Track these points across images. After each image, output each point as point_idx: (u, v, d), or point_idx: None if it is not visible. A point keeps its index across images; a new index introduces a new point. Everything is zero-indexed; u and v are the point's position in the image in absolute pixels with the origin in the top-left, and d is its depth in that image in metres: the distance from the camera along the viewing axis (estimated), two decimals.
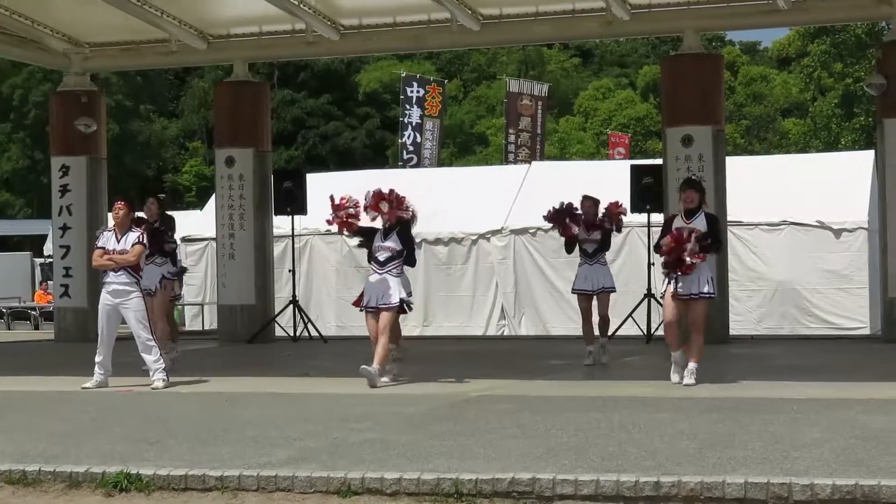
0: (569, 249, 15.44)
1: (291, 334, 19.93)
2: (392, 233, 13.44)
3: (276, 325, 20.34)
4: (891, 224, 17.78)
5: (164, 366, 13.54)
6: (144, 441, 9.60)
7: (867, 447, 8.61)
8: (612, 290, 15.33)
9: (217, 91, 23.26)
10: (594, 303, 15.22)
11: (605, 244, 15.22)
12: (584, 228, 15.05)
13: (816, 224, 21.27)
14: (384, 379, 13.19)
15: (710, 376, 12.91)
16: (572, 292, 15.63)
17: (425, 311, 23.01)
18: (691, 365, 12.62)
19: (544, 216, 15.38)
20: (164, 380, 13.40)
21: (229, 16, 20.68)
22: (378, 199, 13.33)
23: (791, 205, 21.50)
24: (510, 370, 14.98)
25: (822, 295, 21.15)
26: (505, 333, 22.58)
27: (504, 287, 22.74)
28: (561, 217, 15.07)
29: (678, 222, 12.74)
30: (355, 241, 14.08)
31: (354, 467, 8.24)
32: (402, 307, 13.41)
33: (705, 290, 12.61)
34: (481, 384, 13.21)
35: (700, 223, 12.66)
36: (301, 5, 19.20)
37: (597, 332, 15.30)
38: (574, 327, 21.29)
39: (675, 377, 12.68)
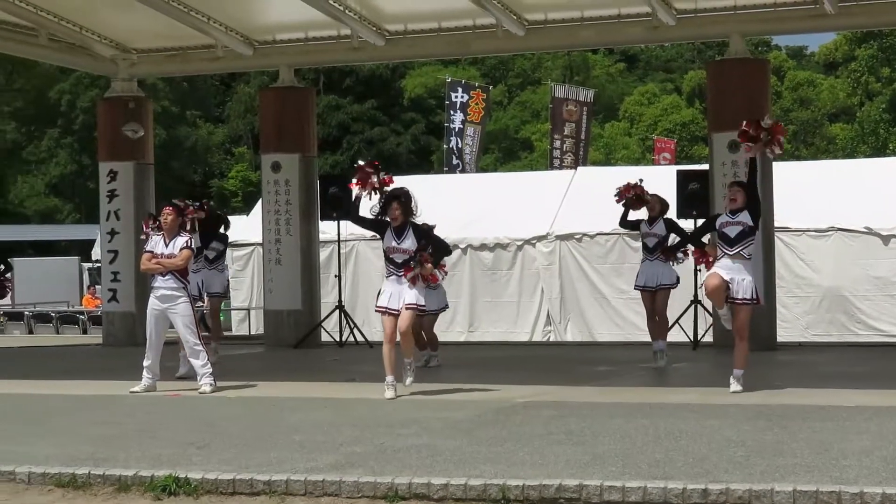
0: (622, 223, 16.08)
1: (337, 339, 19.96)
2: (406, 232, 13.01)
3: (322, 330, 20.39)
4: None
5: (211, 370, 13.61)
6: (192, 445, 9.67)
7: None
8: (672, 286, 15.43)
9: (263, 97, 23.32)
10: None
11: (666, 239, 15.38)
12: (646, 223, 15.46)
13: (864, 230, 21.06)
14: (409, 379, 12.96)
15: (758, 383, 12.84)
16: (634, 288, 15.89)
17: (470, 317, 23.00)
18: (737, 371, 12.58)
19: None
20: (211, 384, 13.47)
21: (275, 22, 20.75)
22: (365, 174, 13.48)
23: (839, 210, 21.32)
24: (556, 376, 14.95)
25: (870, 301, 20.94)
26: (550, 339, 22.49)
27: (550, 293, 22.67)
28: (636, 191, 15.64)
29: (722, 218, 12.89)
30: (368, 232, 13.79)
31: (401, 473, 8.26)
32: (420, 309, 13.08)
33: (751, 295, 12.56)
34: (527, 390, 13.20)
35: (745, 217, 12.70)
36: (346, 11, 19.24)
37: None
38: (619, 333, 21.34)
39: (727, 325, 12.72)
